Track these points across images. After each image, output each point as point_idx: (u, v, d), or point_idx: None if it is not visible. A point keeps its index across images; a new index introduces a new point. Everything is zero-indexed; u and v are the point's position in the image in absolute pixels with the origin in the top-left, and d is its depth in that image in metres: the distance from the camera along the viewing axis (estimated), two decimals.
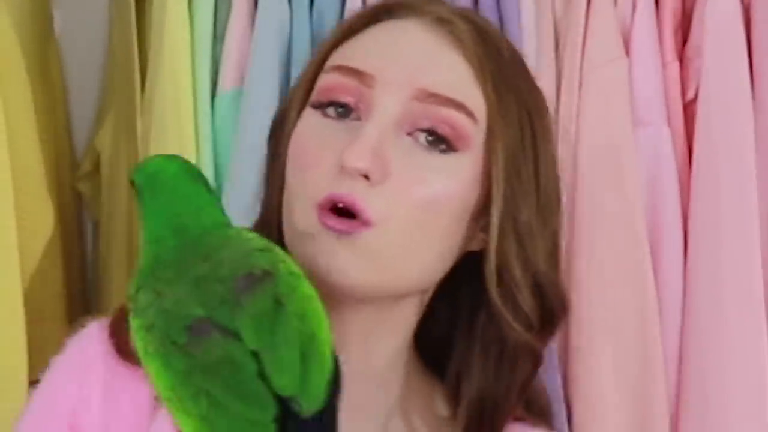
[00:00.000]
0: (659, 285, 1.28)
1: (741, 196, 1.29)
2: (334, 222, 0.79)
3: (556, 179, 0.89)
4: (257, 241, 0.78)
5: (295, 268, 0.76)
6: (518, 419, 0.89)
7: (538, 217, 0.85)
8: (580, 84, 1.32)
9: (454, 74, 0.84)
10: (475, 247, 0.84)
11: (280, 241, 0.85)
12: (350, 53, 0.85)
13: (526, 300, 0.84)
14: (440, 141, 0.82)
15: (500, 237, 0.82)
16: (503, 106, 0.85)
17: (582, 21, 1.32)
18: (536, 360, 0.87)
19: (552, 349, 1.25)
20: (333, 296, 0.81)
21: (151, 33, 1.42)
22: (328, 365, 0.72)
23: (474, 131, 0.82)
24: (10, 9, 1.36)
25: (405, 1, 0.89)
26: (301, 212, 0.82)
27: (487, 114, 0.83)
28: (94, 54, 1.65)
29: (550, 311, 0.87)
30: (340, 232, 0.79)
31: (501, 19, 1.35)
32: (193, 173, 0.81)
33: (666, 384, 1.27)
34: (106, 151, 1.57)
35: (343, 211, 0.80)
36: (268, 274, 0.74)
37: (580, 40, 1.32)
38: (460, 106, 0.82)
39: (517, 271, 0.83)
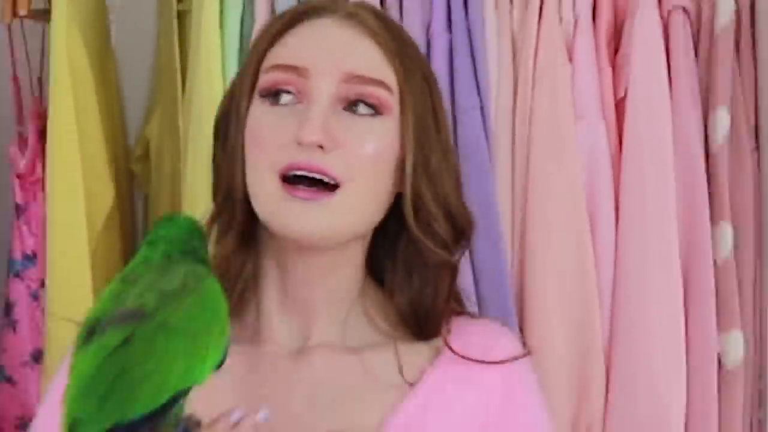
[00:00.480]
0: (596, 246, 1.39)
1: (662, 175, 1.38)
2: (304, 193, 0.88)
3: (449, 126, 0.99)
4: (176, 281, 0.80)
5: (177, 320, 0.77)
6: (460, 314, 1.00)
7: (444, 160, 0.96)
8: (533, 85, 1.40)
9: (369, 57, 0.93)
10: (401, 189, 0.93)
11: (248, 211, 0.93)
12: (284, 53, 0.93)
13: (441, 226, 0.94)
14: (369, 108, 0.92)
15: (414, 179, 0.92)
16: (408, 76, 0.94)
17: (534, 34, 1.40)
18: (454, 272, 0.97)
19: (508, 293, 1.38)
20: (301, 246, 0.91)
21: (189, 44, 1.48)
22: (126, 408, 0.73)
23: (392, 100, 0.92)
24: (80, 26, 1.43)
25: (315, 5, 0.97)
26: (263, 181, 0.90)
27: (397, 83, 0.93)
28: (144, 61, 1.73)
29: (461, 229, 0.97)
30: (307, 200, 0.88)
31: (469, 33, 1.42)
32: (188, 224, 0.86)
33: (601, 321, 1.38)
34: (154, 140, 1.64)
35: (304, 180, 0.88)
36: (139, 316, 0.76)
37: (532, 50, 1.40)
38: (379, 83, 0.91)
39: (432, 205, 0.93)
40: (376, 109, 0.91)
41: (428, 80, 0.97)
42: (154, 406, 0.73)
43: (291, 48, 0.93)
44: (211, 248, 0.96)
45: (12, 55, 1.61)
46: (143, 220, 1.71)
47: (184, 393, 0.76)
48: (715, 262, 1.38)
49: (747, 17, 1.40)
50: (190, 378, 0.76)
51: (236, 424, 0.84)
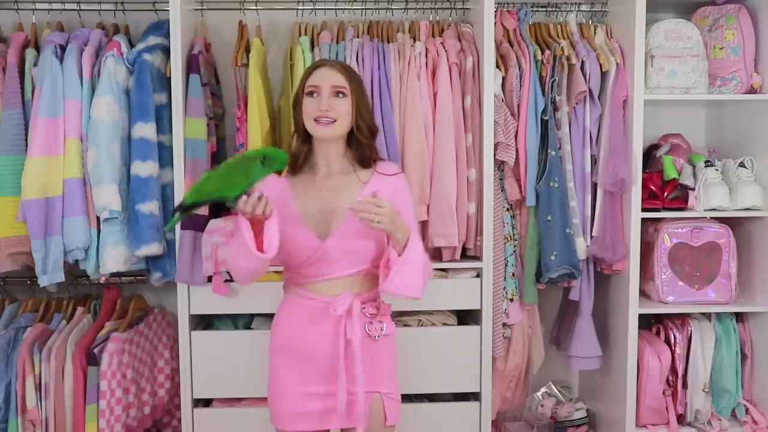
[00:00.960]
0: (428, 142, 2.86)
1: (448, 119, 2.85)
2: (323, 124, 2.17)
3: (369, 101, 2.26)
4: (238, 158, 1.88)
5: (226, 171, 1.87)
6: (381, 159, 2.31)
7: (366, 111, 2.24)
8: (407, 94, 2.80)
9: (339, 79, 2.21)
10: (354, 121, 2.21)
11: (305, 132, 2.23)
12: (312, 80, 2.21)
13: (366, 131, 2.26)
14: (341, 94, 2.20)
15: (356, 117, 2.23)
16: (354, 85, 2.22)
17: (407, 73, 2.78)
18: (373, 146, 2.26)
19: (398, 154, 2.79)
20: (324, 140, 2.21)
21: (293, 77, 2.78)
22: (199, 198, 1.90)
23: (348, 92, 2.21)
24: (259, 69, 2.68)
25: (321, 63, 2.21)
26: (309, 121, 2.22)
27: (350, 87, 2.20)
28: (278, 81, 3.05)
29: (373, 132, 2.28)
30: (325, 126, 2.18)
31: (385, 74, 2.78)
32: (263, 151, 1.97)
33: (429, 165, 2.82)
34: (282, 106, 2.91)
35: (323, 120, 2.18)
36: (217, 169, 1.88)
37: (406, 80, 2.78)
38: (343, 87, 2.20)
39: (363, 124, 2.24)
40: (344, 95, 2.17)
41: (362, 86, 2.22)
42: (209, 199, 1.88)
43: (314, 79, 2.18)
44: (293, 145, 2.27)
45: (236, 80, 2.89)
46: (279, 132, 2.91)
47: (220, 198, 1.78)
48: (465, 146, 2.88)
49: (477, 62, 2.86)
50: (224, 195, 1.80)
51: (259, 197, 2.00)
